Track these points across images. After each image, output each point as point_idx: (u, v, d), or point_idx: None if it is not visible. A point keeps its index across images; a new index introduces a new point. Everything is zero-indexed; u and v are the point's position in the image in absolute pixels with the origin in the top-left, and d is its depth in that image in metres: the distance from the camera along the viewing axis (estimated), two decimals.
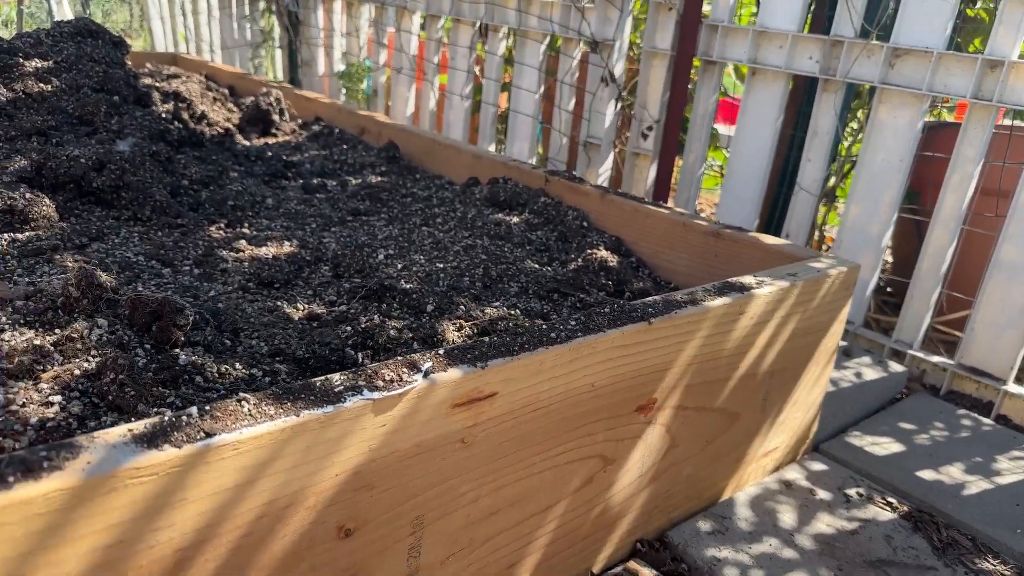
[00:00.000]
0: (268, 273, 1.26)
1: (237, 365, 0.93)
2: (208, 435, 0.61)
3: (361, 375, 0.73)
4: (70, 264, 1.17)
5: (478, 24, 2.73)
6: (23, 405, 0.76)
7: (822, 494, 1.32)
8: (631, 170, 2.39)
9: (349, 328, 1.11)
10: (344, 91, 3.34)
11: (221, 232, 1.41)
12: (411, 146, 2.14)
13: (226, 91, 2.53)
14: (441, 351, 0.80)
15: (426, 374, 0.75)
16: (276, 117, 2.28)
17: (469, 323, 1.16)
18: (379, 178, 1.95)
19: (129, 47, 2.03)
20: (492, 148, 2.82)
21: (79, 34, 1.95)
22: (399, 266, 1.39)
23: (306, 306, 1.20)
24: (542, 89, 2.58)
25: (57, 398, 0.78)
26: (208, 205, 1.47)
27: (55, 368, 0.82)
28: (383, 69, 3.26)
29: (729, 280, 1.13)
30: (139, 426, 0.61)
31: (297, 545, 0.70)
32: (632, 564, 1.06)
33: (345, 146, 2.21)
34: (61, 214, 1.32)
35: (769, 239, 1.40)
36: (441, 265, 1.41)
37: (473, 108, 2.92)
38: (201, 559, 0.63)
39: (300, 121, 2.42)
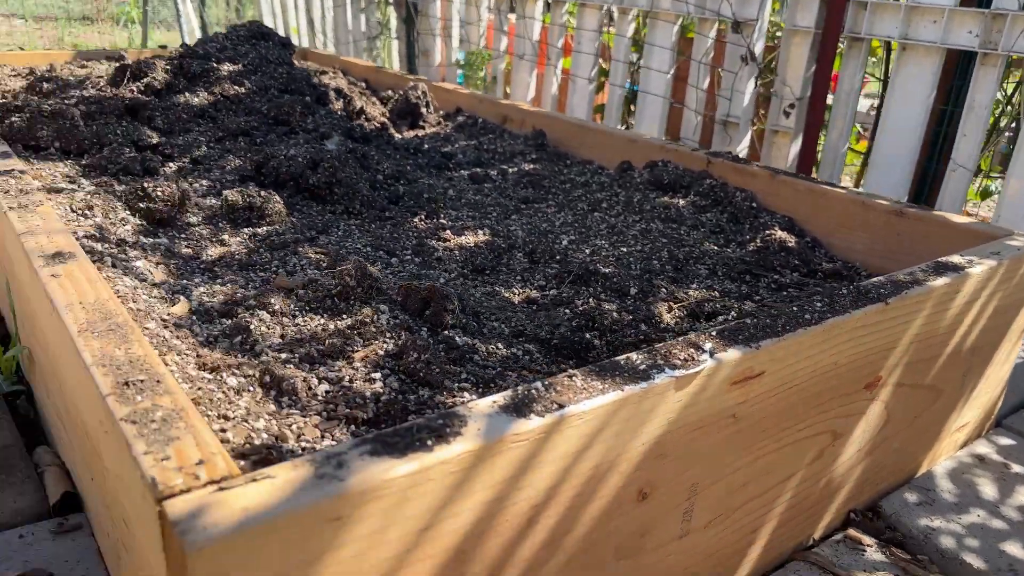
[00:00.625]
0: (479, 260, 1.36)
1: (499, 345, 1.02)
2: (560, 406, 0.70)
3: (656, 355, 0.81)
4: (312, 255, 1.29)
5: (604, 7, 2.76)
6: (352, 382, 0.87)
7: (1017, 468, 1.34)
8: (769, 148, 2.40)
9: (568, 311, 1.19)
10: (463, 79, 3.43)
11: (424, 223, 1.51)
12: (557, 132, 2.21)
13: (363, 85, 2.65)
14: (713, 332, 0.88)
15: (711, 354, 0.82)
16: (424, 110, 2.38)
17: (677, 305, 1.23)
18: (532, 165, 2.03)
19: (295, 48, 2.16)
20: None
21: (253, 37, 2.09)
22: (587, 251, 1.46)
23: (521, 291, 1.29)
24: (673, 70, 2.60)
25: (377, 375, 0.89)
26: (407, 198, 1.58)
27: (362, 349, 0.93)
28: (503, 56, 3.33)
29: (941, 260, 1.16)
30: (500, 399, 0.71)
31: (609, 505, 0.78)
32: (852, 532, 1.12)
33: (491, 135, 2.30)
34: (287, 210, 1.45)
35: (956, 217, 1.42)
36: (625, 249, 1.49)
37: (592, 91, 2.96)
38: (545, 515, 0.73)
39: (443, 112, 2.52)
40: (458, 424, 0.66)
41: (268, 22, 4.92)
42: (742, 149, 2.44)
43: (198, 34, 4.27)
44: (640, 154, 1.96)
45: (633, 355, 0.81)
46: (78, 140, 1.55)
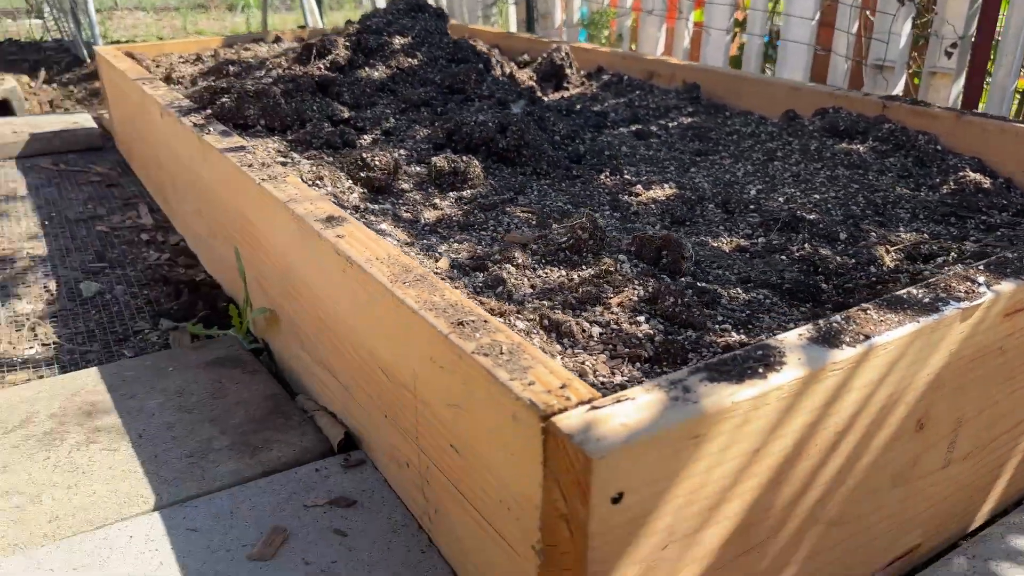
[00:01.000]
0: (677, 213, 1.40)
1: (738, 290, 1.06)
2: (867, 337, 0.74)
3: (937, 289, 0.83)
4: (520, 215, 1.36)
5: None
6: (619, 324, 0.93)
7: None
8: (927, 90, 2.31)
9: (784, 258, 1.22)
10: (584, 37, 3.43)
11: (610, 179, 1.56)
12: (711, 84, 2.20)
13: (496, 51, 2.70)
14: (981, 265, 0.89)
15: (987, 286, 0.84)
16: (568, 71, 2.41)
17: (893, 248, 1.23)
18: (691, 119, 2.04)
19: (448, 18, 2.22)
20: None
21: (412, 10, 2.17)
22: (780, 200, 1.48)
23: (728, 240, 1.32)
24: (818, 15, 2.53)
25: (640, 319, 0.95)
26: (589, 156, 1.63)
27: (616, 296, 0.99)
28: (629, 12, 3.31)
29: None
30: (805, 331, 0.75)
31: (894, 433, 0.82)
32: None
33: (639, 92, 2.31)
34: (484, 174, 1.52)
35: None
36: (818, 196, 1.49)
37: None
38: (845, 441, 0.77)
39: (584, 72, 2.54)
40: (778, 355, 0.71)
41: None
42: (897, 93, 2.36)
43: (318, 15, 4.41)
44: (804, 102, 1.94)
45: (913, 289, 0.83)
46: (280, 117, 1.67)
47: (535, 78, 2.38)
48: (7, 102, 3.43)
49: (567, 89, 2.43)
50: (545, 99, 2.29)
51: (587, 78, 2.51)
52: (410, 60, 1.89)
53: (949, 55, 2.23)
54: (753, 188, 1.55)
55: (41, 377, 1.42)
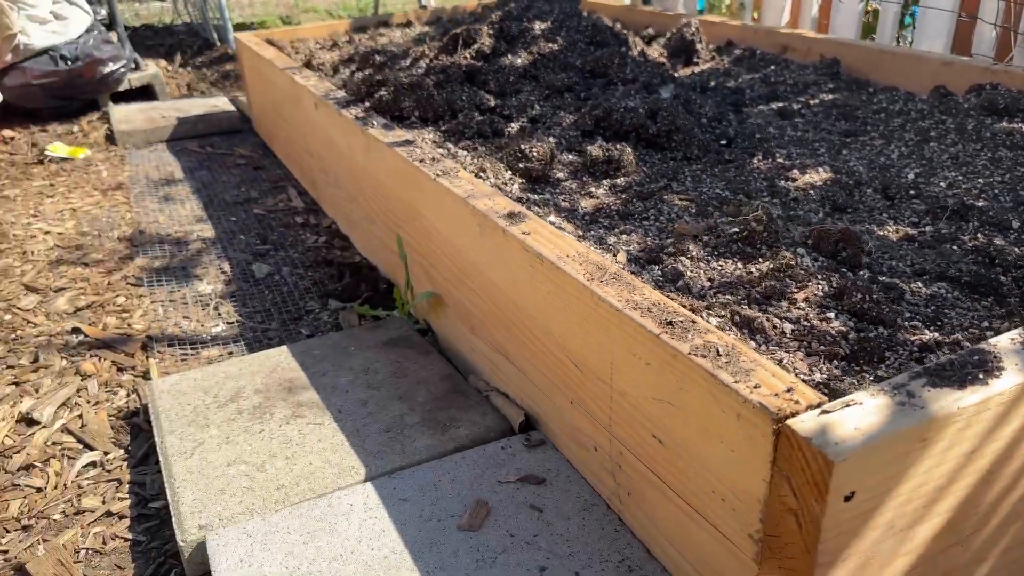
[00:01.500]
0: (837, 200, 1.40)
1: (918, 284, 1.07)
2: None
3: None
4: (679, 203, 1.39)
5: None
6: (809, 320, 0.96)
7: None
8: None
9: (956, 248, 1.20)
10: (703, 7, 3.36)
11: (763, 163, 1.56)
12: (851, 59, 2.14)
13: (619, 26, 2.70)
14: None
15: None
16: (698, 46, 2.39)
17: None
18: (831, 95, 1.99)
19: None
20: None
21: None
22: (943, 185, 1.45)
23: (894, 228, 1.31)
24: None
25: (831, 315, 0.97)
26: (740, 139, 1.64)
27: (800, 291, 1.02)
28: None
29: None
30: (1018, 335, 0.76)
31: None
32: None
33: (773, 67, 2.27)
34: (635, 160, 1.56)
35: None
36: (982, 181, 1.45)
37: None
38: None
39: (713, 47, 2.51)
40: (996, 361, 0.73)
41: None
42: None
43: None
44: (956, 77, 1.87)
45: None
46: (434, 108, 1.75)
47: (665, 54, 2.37)
48: (150, 87, 3.68)
49: (697, 64, 2.42)
50: (676, 76, 2.29)
51: (717, 53, 2.48)
52: (551, 45, 1.93)
53: None
54: (911, 172, 1.52)
55: (231, 354, 1.57)
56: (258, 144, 2.98)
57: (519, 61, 1.91)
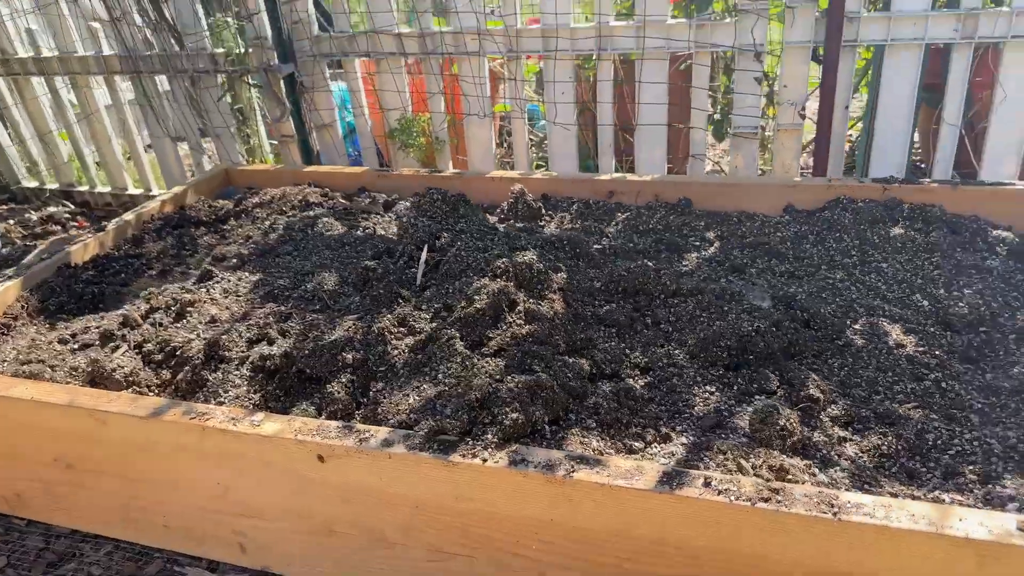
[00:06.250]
0: None
1: None
2: None
3: None
4: None
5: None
6: None
7: None
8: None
9: None
10: (401, 148, 3.20)
11: None
12: (690, 194, 2.35)
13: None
14: None
15: None
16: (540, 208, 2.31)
17: None
18: (717, 237, 2.18)
19: None
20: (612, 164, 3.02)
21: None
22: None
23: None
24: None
25: None
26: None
27: None
28: (444, 117, 3.17)
29: None
30: None
31: None
32: None
33: (626, 214, 2.33)
34: None
35: None
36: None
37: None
38: None
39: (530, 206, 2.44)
40: None
41: None
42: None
43: None
44: (802, 196, 2.25)
45: None
46: None
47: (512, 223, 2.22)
48: None
49: (544, 228, 2.33)
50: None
51: (551, 209, 2.42)
52: None
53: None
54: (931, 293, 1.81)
55: None
56: None
57: None
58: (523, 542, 1.30)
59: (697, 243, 2.15)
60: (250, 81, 3.40)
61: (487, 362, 1.42)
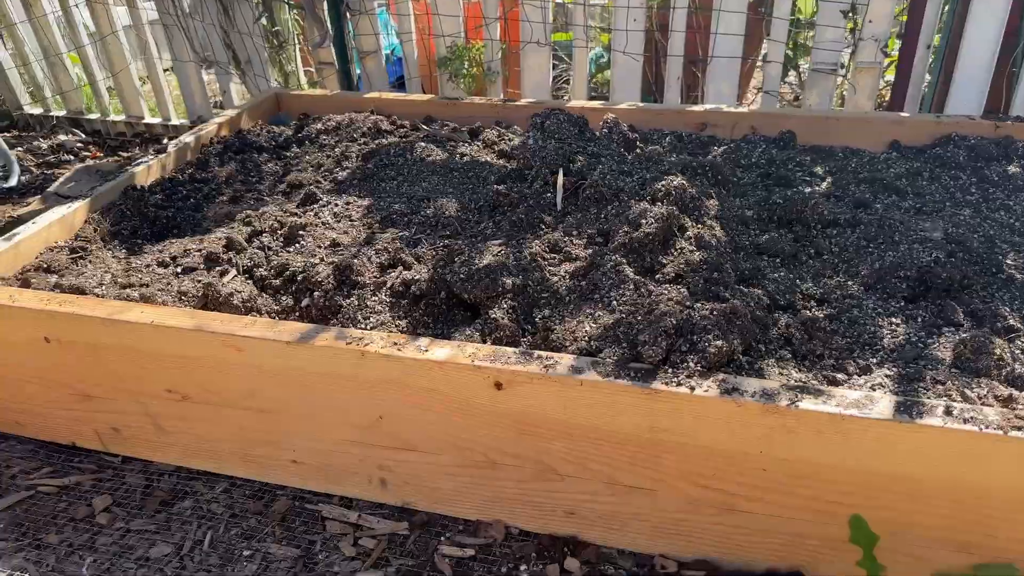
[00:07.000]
0: None
1: None
2: None
3: None
4: None
5: None
6: None
7: None
8: None
9: None
10: (451, 79, 3.04)
11: None
12: (792, 128, 2.26)
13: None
14: None
15: None
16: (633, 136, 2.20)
17: None
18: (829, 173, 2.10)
19: None
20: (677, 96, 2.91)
21: None
22: None
23: None
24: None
25: None
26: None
27: None
28: (500, 45, 3.01)
29: None
30: None
31: None
32: None
33: (724, 147, 2.24)
34: None
35: None
36: None
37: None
38: None
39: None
40: None
41: None
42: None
43: None
44: (910, 134, 2.18)
45: None
46: None
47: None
48: None
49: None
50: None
51: (642, 142, 2.31)
52: None
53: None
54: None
55: None
56: None
57: None
58: (720, 475, 1.23)
59: (807, 178, 2.06)
60: (289, 1, 3.18)
61: (666, 288, 1.32)
